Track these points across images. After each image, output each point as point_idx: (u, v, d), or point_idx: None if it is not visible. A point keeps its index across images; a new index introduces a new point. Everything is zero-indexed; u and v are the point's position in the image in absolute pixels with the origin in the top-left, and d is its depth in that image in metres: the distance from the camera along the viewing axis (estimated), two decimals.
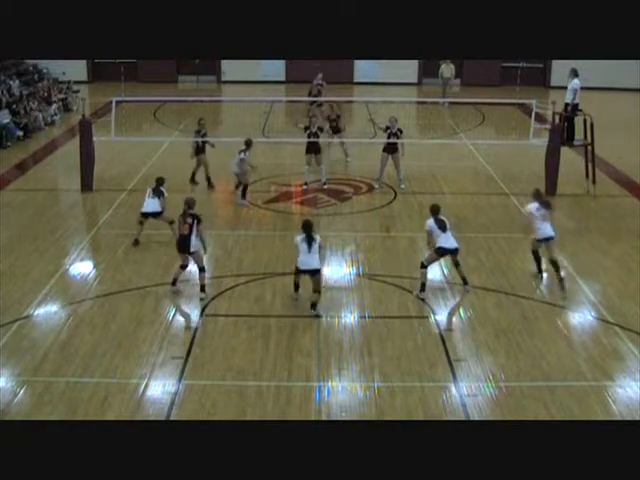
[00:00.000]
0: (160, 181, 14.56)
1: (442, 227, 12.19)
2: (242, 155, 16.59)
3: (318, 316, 11.56)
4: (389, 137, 17.86)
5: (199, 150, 18.00)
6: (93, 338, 10.89)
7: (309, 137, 17.97)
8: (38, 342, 10.78)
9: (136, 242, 14.41)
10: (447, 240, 12.17)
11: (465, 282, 12.54)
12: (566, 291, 12.54)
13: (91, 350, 10.55)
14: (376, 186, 18.15)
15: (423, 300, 12.16)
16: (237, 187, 17.09)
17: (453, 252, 12.33)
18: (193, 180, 18.23)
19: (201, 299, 12.17)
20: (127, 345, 10.71)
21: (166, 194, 14.40)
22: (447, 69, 29.57)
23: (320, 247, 11.59)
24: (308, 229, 11.52)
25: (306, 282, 11.76)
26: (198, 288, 12.38)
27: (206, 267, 12.36)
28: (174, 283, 12.39)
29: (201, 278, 12.26)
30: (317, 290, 11.66)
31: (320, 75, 25.10)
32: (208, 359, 10.40)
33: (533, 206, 12.79)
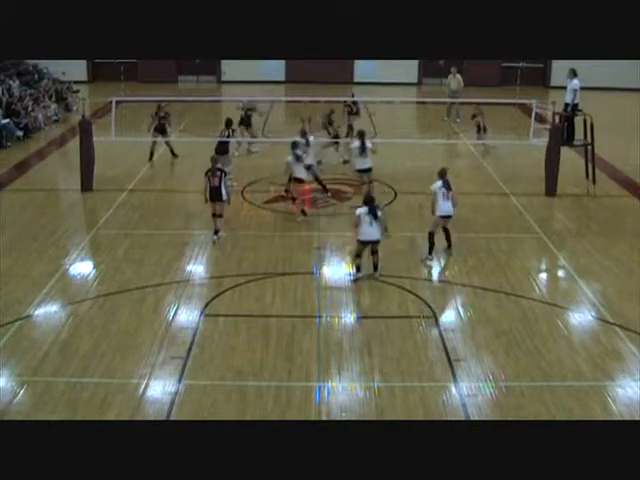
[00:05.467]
0: None
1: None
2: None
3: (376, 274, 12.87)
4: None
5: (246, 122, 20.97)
6: (93, 338, 10.89)
7: None
8: (38, 342, 10.77)
9: None
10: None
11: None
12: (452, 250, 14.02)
13: (91, 350, 10.54)
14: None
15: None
16: None
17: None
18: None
19: (213, 242, 14.13)
20: (127, 345, 10.70)
21: None
22: (454, 81, 26.39)
23: (379, 218, 12.74)
24: (371, 202, 12.82)
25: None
26: (198, 288, 12.48)
27: (206, 267, 12.50)
28: (216, 232, 14.37)
29: (219, 222, 14.26)
30: (376, 252, 12.91)
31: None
32: (208, 359, 10.39)
33: (437, 184, 13.66)
